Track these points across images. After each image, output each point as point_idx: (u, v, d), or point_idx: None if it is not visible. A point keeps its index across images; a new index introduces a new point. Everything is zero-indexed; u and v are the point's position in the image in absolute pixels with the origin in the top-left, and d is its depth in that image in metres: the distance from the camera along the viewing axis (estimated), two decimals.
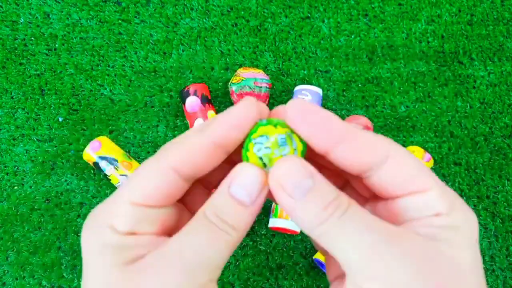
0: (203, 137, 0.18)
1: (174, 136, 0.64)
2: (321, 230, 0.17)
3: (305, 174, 0.17)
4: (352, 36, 0.70)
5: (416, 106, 0.66)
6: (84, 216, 0.60)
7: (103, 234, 0.17)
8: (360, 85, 0.67)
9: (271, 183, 0.18)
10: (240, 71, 0.62)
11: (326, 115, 0.17)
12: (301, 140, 0.18)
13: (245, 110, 0.18)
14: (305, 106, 0.18)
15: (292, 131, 0.18)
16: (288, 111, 0.18)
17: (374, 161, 0.18)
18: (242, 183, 0.18)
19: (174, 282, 0.16)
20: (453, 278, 0.16)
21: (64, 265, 0.58)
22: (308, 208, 0.17)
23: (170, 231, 0.19)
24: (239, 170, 0.18)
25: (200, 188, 0.22)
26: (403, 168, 0.18)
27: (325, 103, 0.66)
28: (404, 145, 0.64)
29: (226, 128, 0.18)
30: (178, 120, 0.65)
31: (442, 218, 0.17)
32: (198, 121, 0.61)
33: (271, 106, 0.66)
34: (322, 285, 0.58)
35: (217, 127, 0.18)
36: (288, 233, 0.59)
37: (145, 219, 0.18)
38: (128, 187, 0.18)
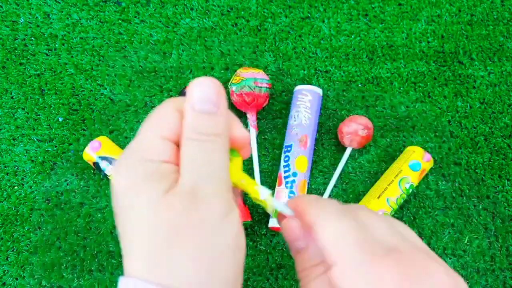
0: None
1: None
2: (300, 283, 0.23)
3: (301, 237, 0.23)
4: (352, 36, 0.70)
5: (416, 106, 0.66)
6: (84, 216, 0.60)
7: (144, 165, 0.19)
8: (360, 85, 0.67)
9: (282, 229, 0.24)
10: (240, 71, 0.62)
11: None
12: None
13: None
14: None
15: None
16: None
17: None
18: (202, 97, 0.20)
19: (208, 198, 0.19)
20: None
21: (64, 265, 0.58)
22: (296, 262, 0.24)
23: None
24: (194, 86, 0.20)
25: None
26: (322, 244, 0.20)
27: (325, 103, 0.66)
28: (404, 145, 0.64)
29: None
30: None
31: None
32: None
33: (271, 106, 0.66)
34: None
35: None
36: None
37: (170, 150, 0.20)
38: (152, 125, 0.21)
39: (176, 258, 0.18)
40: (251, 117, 0.62)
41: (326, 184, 0.62)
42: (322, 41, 0.69)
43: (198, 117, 0.20)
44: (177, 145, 0.21)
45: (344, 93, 0.67)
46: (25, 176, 0.63)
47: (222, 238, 0.19)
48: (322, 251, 0.20)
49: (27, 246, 0.59)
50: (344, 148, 0.63)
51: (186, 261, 0.18)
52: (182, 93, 0.62)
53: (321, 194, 0.61)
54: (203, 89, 0.20)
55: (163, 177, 0.19)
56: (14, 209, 0.61)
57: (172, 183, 0.19)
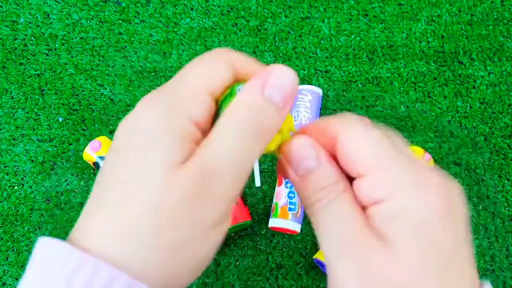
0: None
1: None
2: (311, 210, 0.19)
3: (313, 154, 0.18)
4: (352, 36, 0.70)
5: (416, 106, 0.66)
6: None
7: (183, 121, 0.17)
8: (360, 85, 0.67)
9: (281, 156, 0.19)
10: None
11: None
12: None
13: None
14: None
15: None
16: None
17: (329, 143, 0.19)
18: (278, 85, 0.17)
19: (225, 183, 0.17)
20: (391, 278, 0.16)
21: None
22: (306, 187, 0.18)
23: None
24: (273, 70, 0.17)
25: None
26: (352, 151, 0.18)
27: (325, 103, 0.66)
28: None
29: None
30: None
31: (378, 208, 0.17)
32: None
33: None
34: (322, 285, 0.58)
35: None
36: (288, 233, 0.59)
37: (208, 115, 0.18)
38: (202, 76, 0.18)
39: (152, 244, 0.16)
40: None
41: None
42: (322, 41, 0.69)
43: (263, 104, 0.17)
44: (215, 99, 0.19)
45: (344, 93, 0.67)
46: (25, 176, 0.62)
47: (205, 245, 0.17)
48: (347, 162, 0.18)
49: (27, 246, 0.59)
50: None
51: (158, 250, 0.16)
52: None
53: None
54: (285, 79, 0.17)
55: (188, 142, 0.17)
56: (14, 209, 0.61)
57: (190, 151, 0.17)
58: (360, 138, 0.17)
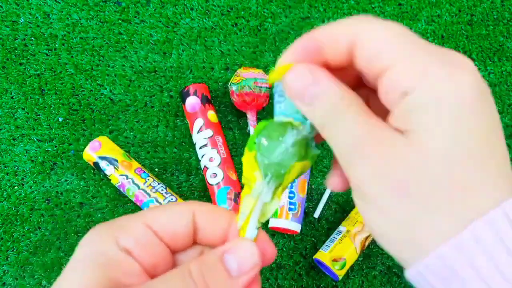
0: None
1: (174, 136, 0.64)
2: (324, 133, 0.18)
3: (311, 80, 0.18)
4: None
5: None
6: (84, 216, 0.60)
7: (104, 243, 0.18)
8: None
9: (285, 90, 0.19)
10: (240, 71, 0.62)
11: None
12: None
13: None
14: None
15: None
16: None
17: (342, 47, 0.18)
18: (237, 255, 0.18)
19: None
20: (412, 174, 0.15)
21: (64, 265, 0.58)
22: (316, 112, 0.18)
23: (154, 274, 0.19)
24: (238, 242, 0.19)
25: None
26: (369, 47, 0.17)
27: None
28: None
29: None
30: (178, 120, 0.65)
31: (408, 98, 0.16)
32: (198, 121, 0.61)
33: (271, 106, 0.66)
34: (322, 285, 0.58)
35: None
36: (288, 233, 0.59)
37: (147, 246, 0.18)
38: (148, 212, 0.19)
39: None
40: (251, 117, 0.62)
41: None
42: None
43: (216, 263, 0.18)
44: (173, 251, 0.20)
45: None
46: (25, 176, 0.62)
47: None
48: (369, 60, 0.17)
49: (27, 246, 0.59)
50: None
51: None
52: (182, 93, 0.62)
53: (321, 194, 0.61)
54: (246, 253, 0.19)
55: (114, 266, 0.17)
56: (14, 209, 0.61)
57: (121, 282, 0.17)
58: (382, 32, 0.17)
